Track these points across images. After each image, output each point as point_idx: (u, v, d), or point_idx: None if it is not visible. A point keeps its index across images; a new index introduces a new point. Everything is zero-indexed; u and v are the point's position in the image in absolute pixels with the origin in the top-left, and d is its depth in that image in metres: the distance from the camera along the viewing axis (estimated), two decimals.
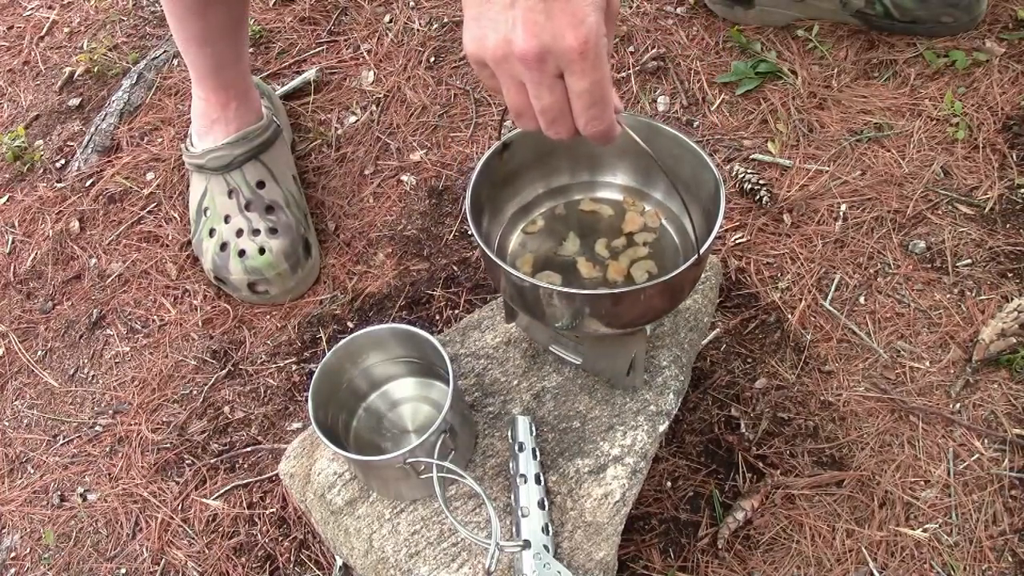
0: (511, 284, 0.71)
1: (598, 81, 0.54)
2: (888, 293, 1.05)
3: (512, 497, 0.78)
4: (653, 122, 0.76)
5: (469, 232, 1.18)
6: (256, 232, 1.13)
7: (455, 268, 1.15)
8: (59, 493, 1.06)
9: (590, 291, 0.69)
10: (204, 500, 1.02)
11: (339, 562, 0.94)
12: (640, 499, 0.92)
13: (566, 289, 0.68)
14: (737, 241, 1.11)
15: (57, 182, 1.34)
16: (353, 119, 1.33)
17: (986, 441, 0.94)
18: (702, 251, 0.67)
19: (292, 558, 0.96)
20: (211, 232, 1.15)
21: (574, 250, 0.81)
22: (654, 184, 0.82)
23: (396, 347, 0.83)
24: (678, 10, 1.36)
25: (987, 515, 0.89)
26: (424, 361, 0.84)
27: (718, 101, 1.25)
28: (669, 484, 0.95)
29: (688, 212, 0.67)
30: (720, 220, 0.69)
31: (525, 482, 0.77)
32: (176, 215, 1.26)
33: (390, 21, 1.44)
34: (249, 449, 1.05)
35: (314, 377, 0.78)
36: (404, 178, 1.25)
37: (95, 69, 1.49)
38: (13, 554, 1.03)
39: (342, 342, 0.80)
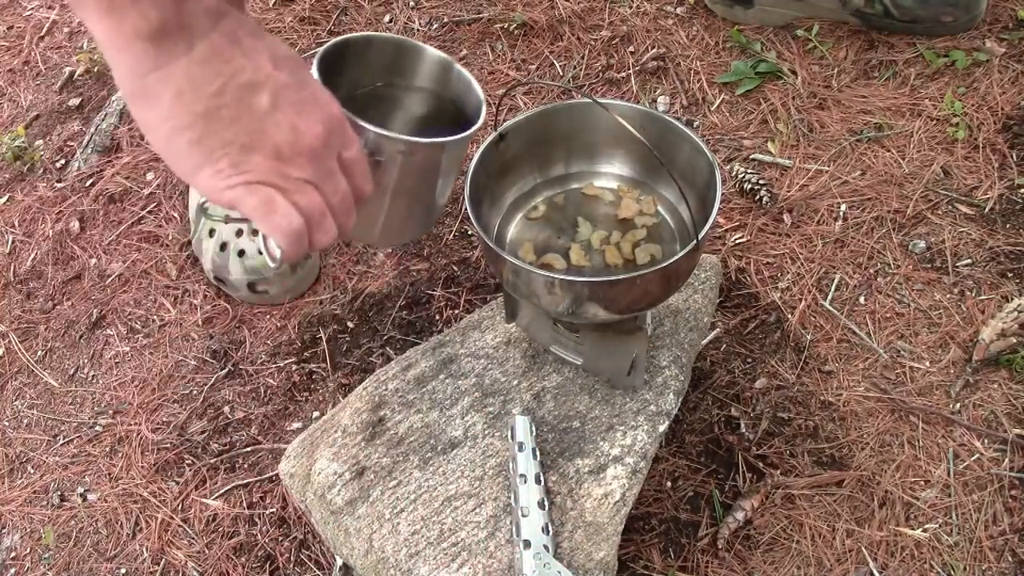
0: (510, 271, 0.71)
1: None
2: (888, 293, 1.05)
3: (512, 497, 0.78)
4: (648, 110, 0.76)
5: (469, 232, 1.18)
6: (256, 232, 1.13)
7: (455, 268, 1.15)
8: (59, 493, 1.06)
9: (590, 278, 0.69)
10: (204, 500, 1.02)
11: (339, 562, 0.94)
12: (640, 499, 0.92)
13: (565, 276, 0.68)
14: (737, 241, 1.11)
15: (57, 182, 1.34)
16: None
17: (986, 441, 0.94)
18: (700, 236, 0.67)
19: (292, 558, 0.96)
20: (211, 232, 1.15)
21: (580, 235, 0.81)
22: (651, 173, 0.82)
23: None
24: (678, 10, 1.36)
25: (987, 515, 0.89)
26: None
27: (718, 101, 1.25)
28: (669, 484, 0.95)
29: (685, 199, 0.67)
30: (717, 205, 0.69)
31: (525, 482, 0.77)
32: (176, 215, 1.26)
33: (390, 21, 1.44)
34: (249, 449, 1.05)
35: None
36: None
37: (95, 69, 1.49)
38: (13, 554, 1.03)
39: None
